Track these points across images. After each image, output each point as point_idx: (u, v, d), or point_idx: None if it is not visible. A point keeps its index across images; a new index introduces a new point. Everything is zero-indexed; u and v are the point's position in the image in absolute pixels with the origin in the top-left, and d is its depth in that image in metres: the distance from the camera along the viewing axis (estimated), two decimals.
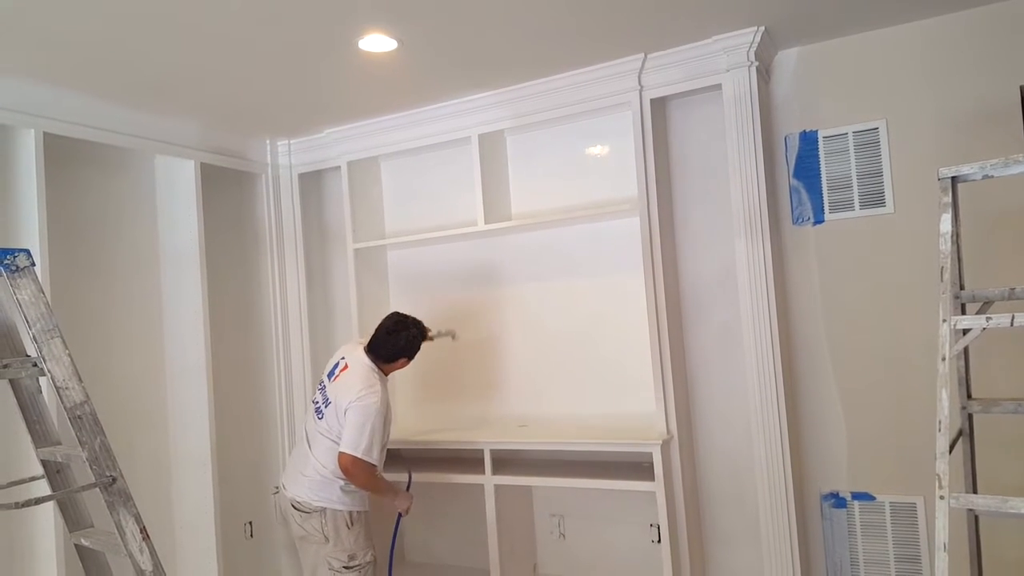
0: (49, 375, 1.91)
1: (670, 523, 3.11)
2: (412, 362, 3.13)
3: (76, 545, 2.13)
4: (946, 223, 2.13)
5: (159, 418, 3.72)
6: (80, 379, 1.94)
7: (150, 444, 3.65)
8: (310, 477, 2.90)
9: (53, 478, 2.13)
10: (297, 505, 2.90)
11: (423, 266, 4.08)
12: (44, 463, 2.11)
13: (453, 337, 3.69)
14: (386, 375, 3.04)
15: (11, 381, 2.07)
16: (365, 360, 2.99)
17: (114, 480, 1.93)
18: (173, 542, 3.67)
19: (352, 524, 2.90)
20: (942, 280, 2.09)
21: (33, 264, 1.96)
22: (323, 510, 2.87)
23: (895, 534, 3.08)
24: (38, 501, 1.97)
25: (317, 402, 3.02)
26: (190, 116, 3.61)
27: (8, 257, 1.90)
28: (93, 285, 3.50)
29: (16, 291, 1.90)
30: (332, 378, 3.01)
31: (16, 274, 1.91)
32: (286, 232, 4.24)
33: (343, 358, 3.05)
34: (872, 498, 3.12)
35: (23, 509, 1.97)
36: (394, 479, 3.30)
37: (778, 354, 3.00)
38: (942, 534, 1.92)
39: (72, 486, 2.14)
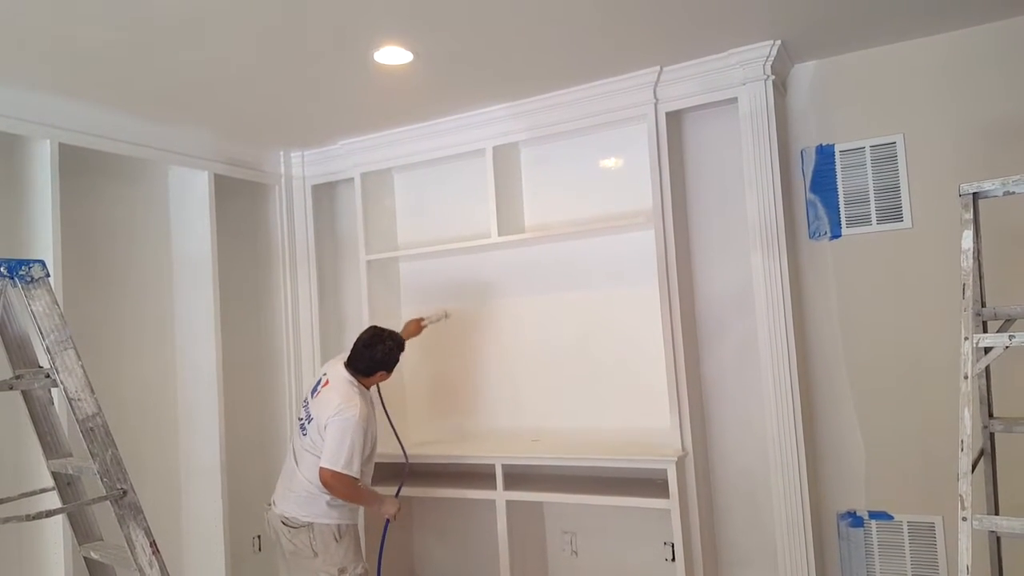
0: (62, 387, 1.89)
1: (685, 541, 3.06)
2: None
3: (85, 558, 2.11)
4: (967, 240, 2.10)
5: (169, 430, 3.72)
6: (92, 391, 1.92)
7: (160, 456, 3.64)
8: (297, 493, 2.93)
9: (63, 490, 2.11)
10: (286, 521, 2.92)
11: (435, 278, 4.07)
12: (55, 475, 2.09)
13: (447, 316, 3.74)
14: (367, 388, 3.07)
15: (23, 392, 2.06)
16: (345, 375, 3.02)
17: (124, 493, 1.91)
18: (181, 555, 3.65)
19: (340, 538, 2.92)
20: (964, 297, 2.06)
21: (48, 275, 1.94)
22: (311, 525, 2.89)
23: (913, 554, 3.02)
24: (49, 514, 1.95)
25: (302, 419, 3.05)
26: (204, 127, 3.62)
27: (23, 268, 1.89)
28: (106, 295, 3.50)
29: (31, 302, 1.89)
30: (314, 395, 3.04)
31: (31, 285, 1.90)
32: (299, 243, 4.24)
33: (325, 374, 3.10)
34: (890, 517, 3.06)
35: (33, 521, 1.96)
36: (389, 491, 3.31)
37: (795, 370, 2.97)
38: (965, 556, 1.88)
39: (82, 498, 2.12)
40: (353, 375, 3.02)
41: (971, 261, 2.08)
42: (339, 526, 2.92)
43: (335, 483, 2.81)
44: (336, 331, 4.30)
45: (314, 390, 3.06)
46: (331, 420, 2.86)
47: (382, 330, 3.12)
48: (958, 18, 2.88)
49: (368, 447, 2.93)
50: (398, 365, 3.16)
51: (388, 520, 3.16)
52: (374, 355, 3.02)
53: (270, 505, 3.03)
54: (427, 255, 3.98)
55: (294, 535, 2.90)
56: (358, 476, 2.86)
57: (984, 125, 2.93)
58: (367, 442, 2.91)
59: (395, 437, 3.41)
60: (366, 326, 3.86)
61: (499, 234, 3.61)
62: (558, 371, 3.71)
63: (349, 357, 3.07)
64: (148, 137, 3.42)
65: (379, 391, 3.26)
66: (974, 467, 2.02)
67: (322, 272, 4.27)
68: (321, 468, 2.82)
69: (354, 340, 3.09)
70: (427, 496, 3.70)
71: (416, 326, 3.59)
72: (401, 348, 3.13)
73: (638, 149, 3.41)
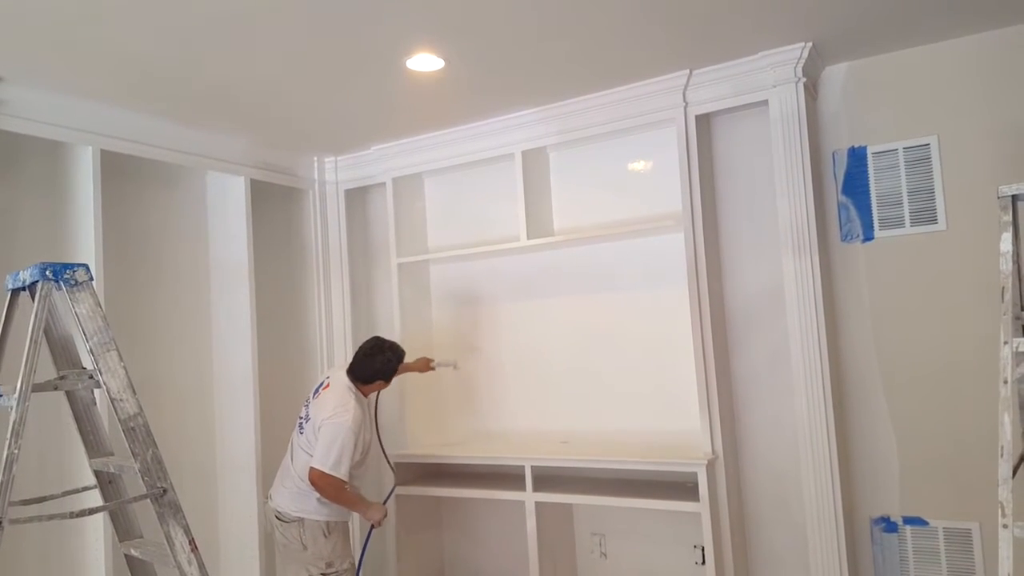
0: (104, 387, 1.95)
1: (715, 545, 3.05)
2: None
3: (126, 555, 2.16)
4: (1006, 242, 2.07)
5: (206, 430, 3.78)
6: (134, 391, 1.97)
7: (197, 456, 3.70)
8: (289, 488, 3.04)
9: (105, 488, 2.17)
10: (279, 515, 3.03)
11: (465, 281, 4.10)
12: (97, 473, 2.16)
13: (455, 367, 3.78)
14: (365, 395, 3.15)
15: (67, 392, 2.12)
16: (345, 380, 3.12)
17: (165, 492, 1.96)
18: (218, 554, 3.71)
19: (329, 533, 3.01)
20: (1003, 301, 2.03)
21: (91, 279, 2.00)
22: (301, 520, 2.99)
23: (950, 561, 2.97)
24: (92, 511, 2.01)
25: (301, 418, 3.15)
26: (241, 133, 3.69)
27: (68, 272, 1.95)
28: (144, 298, 3.57)
29: (75, 305, 1.95)
30: (315, 396, 3.14)
31: (75, 288, 1.96)
32: (332, 247, 4.30)
33: (327, 378, 3.20)
34: (925, 523, 3.02)
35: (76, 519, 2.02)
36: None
37: (827, 373, 2.94)
38: (1006, 565, 1.85)
39: (124, 497, 2.18)
40: (353, 382, 3.12)
41: (1010, 264, 2.05)
42: (328, 523, 3.01)
43: (322, 483, 2.91)
44: (368, 333, 4.28)
45: (315, 391, 3.17)
46: (325, 422, 2.96)
47: (383, 341, 3.21)
48: (992, 18, 2.83)
49: (359, 453, 3.01)
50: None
51: (372, 526, 3.23)
52: (373, 364, 3.12)
53: (268, 498, 3.14)
54: (457, 258, 4.01)
55: (286, 529, 3.01)
56: (346, 479, 2.94)
57: (1020, 126, 2.88)
58: (358, 447, 2.99)
59: (383, 454, 3.54)
60: (397, 329, 3.94)
61: (528, 237, 3.63)
62: (587, 373, 3.71)
63: (351, 365, 3.17)
64: (187, 143, 3.50)
65: (376, 404, 3.31)
66: (1014, 473, 1.98)
67: (354, 275, 4.32)
68: (311, 468, 2.92)
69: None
70: (456, 496, 3.72)
71: (425, 364, 3.64)
72: (400, 360, 3.21)
73: (667, 152, 3.40)
